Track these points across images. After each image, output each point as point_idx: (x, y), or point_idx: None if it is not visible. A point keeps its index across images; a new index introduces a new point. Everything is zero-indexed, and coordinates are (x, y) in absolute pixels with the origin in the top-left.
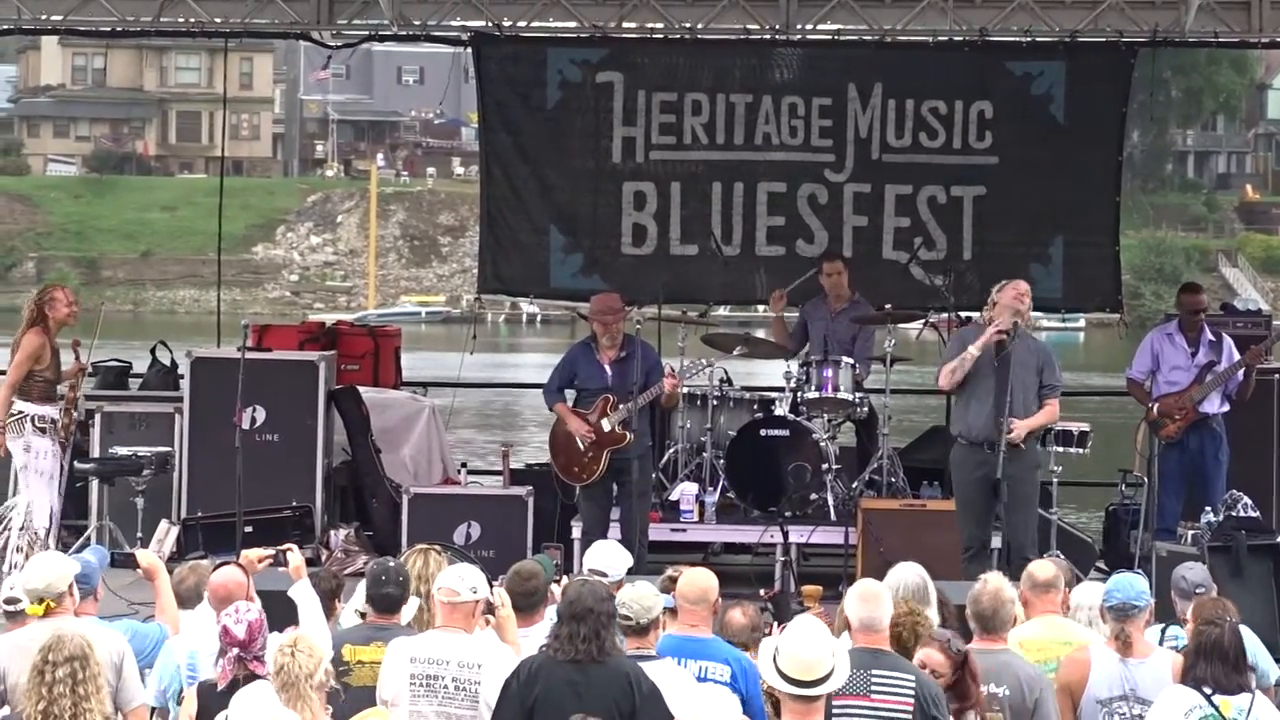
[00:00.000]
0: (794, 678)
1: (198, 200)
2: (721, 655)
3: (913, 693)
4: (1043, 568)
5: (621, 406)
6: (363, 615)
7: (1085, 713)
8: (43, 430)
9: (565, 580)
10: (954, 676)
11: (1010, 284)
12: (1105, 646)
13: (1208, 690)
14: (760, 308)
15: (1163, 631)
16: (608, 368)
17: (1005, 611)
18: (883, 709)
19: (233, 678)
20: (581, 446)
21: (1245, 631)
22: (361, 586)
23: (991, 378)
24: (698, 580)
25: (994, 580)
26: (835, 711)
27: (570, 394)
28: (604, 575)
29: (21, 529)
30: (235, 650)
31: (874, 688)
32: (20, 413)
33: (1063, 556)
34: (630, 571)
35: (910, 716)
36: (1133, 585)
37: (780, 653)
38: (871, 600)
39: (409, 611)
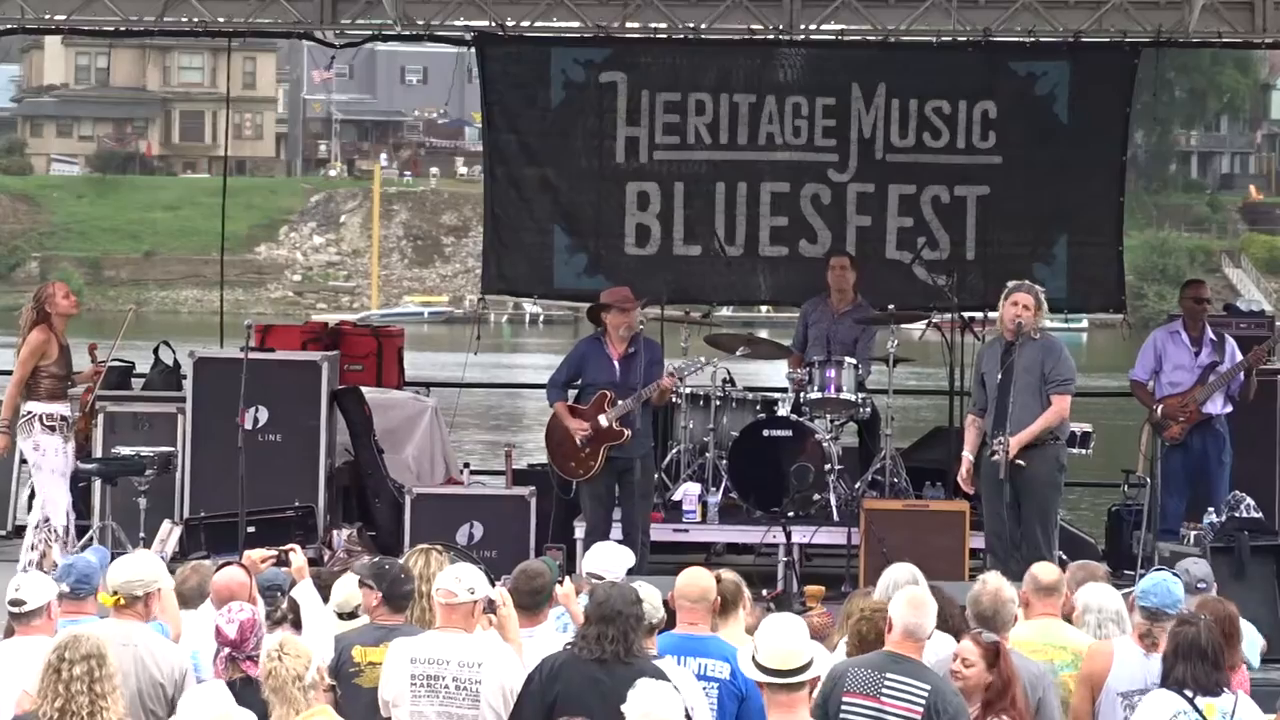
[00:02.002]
0: (772, 668)
1: (200, 200)
2: (721, 653)
3: (923, 702)
4: (1047, 570)
5: (620, 403)
6: (342, 614)
7: (1105, 704)
8: (51, 428)
9: (568, 581)
10: (990, 673)
11: (1012, 295)
12: (1130, 640)
13: (1189, 693)
14: (763, 308)
15: None
16: (616, 363)
17: (1006, 611)
18: (889, 712)
19: (226, 679)
20: (579, 442)
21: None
22: (339, 584)
23: (998, 385)
24: (697, 580)
25: (994, 580)
26: (843, 708)
27: (572, 392)
28: (602, 578)
29: (36, 527)
30: (227, 650)
31: (885, 691)
32: (29, 412)
33: (1065, 556)
34: (631, 572)
35: None
36: (1170, 591)
37: (758, 646)
38: (920, 608)
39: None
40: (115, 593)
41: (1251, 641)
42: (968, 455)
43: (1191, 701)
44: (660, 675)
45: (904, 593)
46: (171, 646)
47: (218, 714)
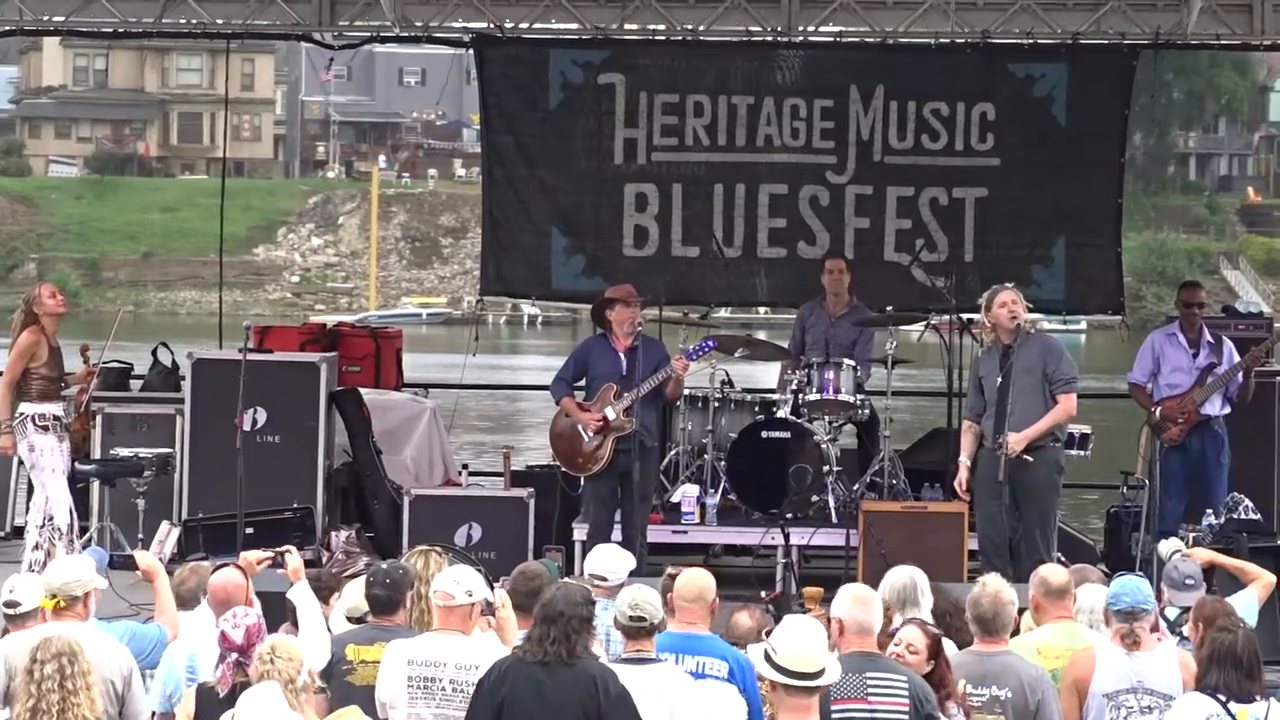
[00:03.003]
0: (797, 670)
1: (199, 201)
2: (719, 652)
3: (907, 693)
4: (1056, 573)
5: (626, 395)
6: (352, 619)
7: (1092, 708)
8: (45, 428)
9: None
10: (930, 664)
11: (997, 297)
12: (1110, 642)
13: (1223, 698)
14: (761, 310)
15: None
16: (622, 356)
17: (1006, 613)
18: (880, 711)
19: (233, 683)
20: (586, 436)
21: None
22: (350, 588)
23: (997, 388)
24: (695, 580)
25: (993, 582)
26: (834, 716)
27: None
28: (604, 580)
29: (40, 526)
30: (234, 655)
31: (870, 691)
32: (21, 414)
33: (1064, 558)
34: (631, 574)
35: (907, 718)
36: (1139, 589)
37: (779, 649)
38: (866, 603)
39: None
40: (55, 596)
41: (1248, 603)
42: (965, 461)
43: (1225, 706)
44: (606, 675)
45: (847, 591)
46: (117, 645)
47: (276, 716)
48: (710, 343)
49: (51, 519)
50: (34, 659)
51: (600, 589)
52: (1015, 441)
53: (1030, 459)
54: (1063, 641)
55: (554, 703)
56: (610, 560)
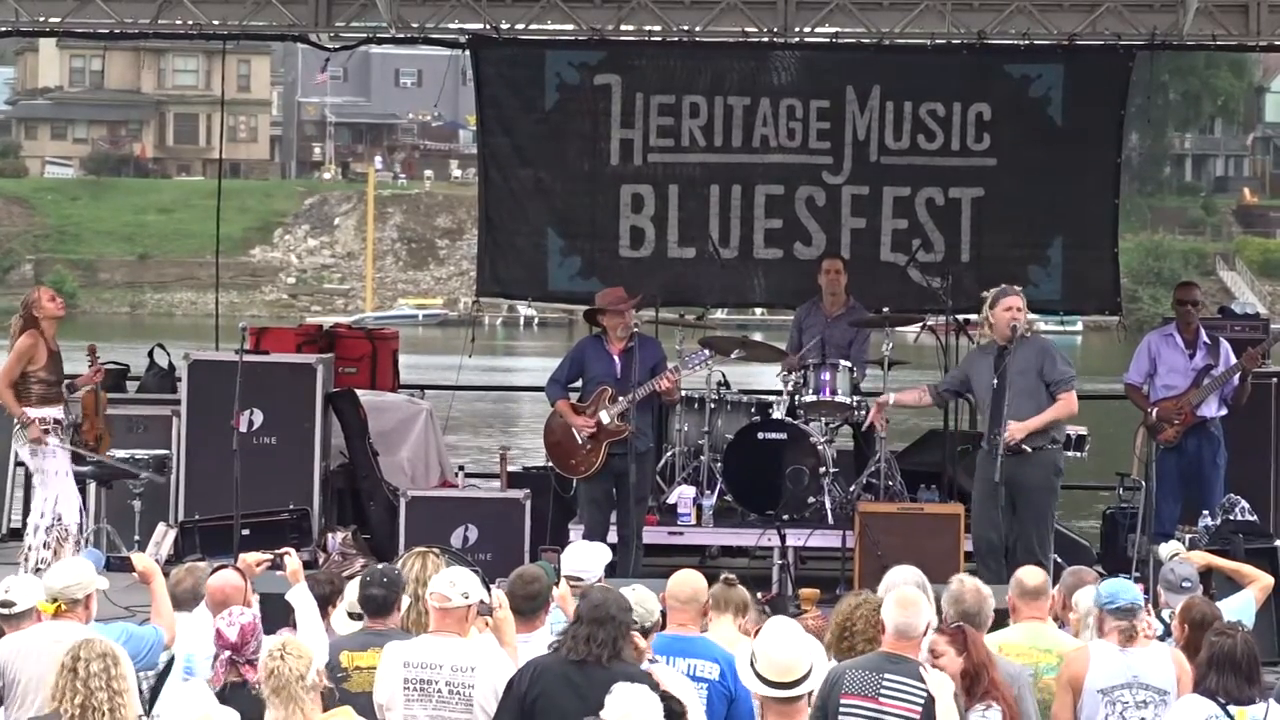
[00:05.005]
0: (772, 680)
1: (195, 202)
2: (710, 654)
3: (922, 701)
4: (1032, 574)
5: (620, 399)
6: (354, 616)
7: (1087, 704)
8: (45, 431)
9: (564, 583)
10: (960, 659)
11: (1002, 299)
12: (1104, 640)
13: (1222, 700)
14: (757, 310)
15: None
16: (616, 358)
17: (988, 607)
18: (889, 712)
19: (225, 681)
20: (579, 439)
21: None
22: (352, 587)
23: (992, 389)
24: (689, 581)
25: (969, 580)
26: (842, 709)
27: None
28: (580, 580)
29: (49, 527)
30: (227, 653)
31: (884, 691)
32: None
33: (1060, 559)
34: (621, 574)
35: None
36: (1129, 587)
37: (757, 656)
38: (909, 607)
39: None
40: (55, 599)
41: (1245, 605)
42: (890, 396)
43: (1224, 708)
44: (642, 681)
45: (894, 593)
46: (117, 647)
47: (199, 713)
48: (704, 354)
49: (60, 519)
50: (76, 656)
51: (578, 589)
52: (1017, 429)
53: (1028, 449)
54: (1025, 641)
55: (591, 702)
56: (584, 559)
